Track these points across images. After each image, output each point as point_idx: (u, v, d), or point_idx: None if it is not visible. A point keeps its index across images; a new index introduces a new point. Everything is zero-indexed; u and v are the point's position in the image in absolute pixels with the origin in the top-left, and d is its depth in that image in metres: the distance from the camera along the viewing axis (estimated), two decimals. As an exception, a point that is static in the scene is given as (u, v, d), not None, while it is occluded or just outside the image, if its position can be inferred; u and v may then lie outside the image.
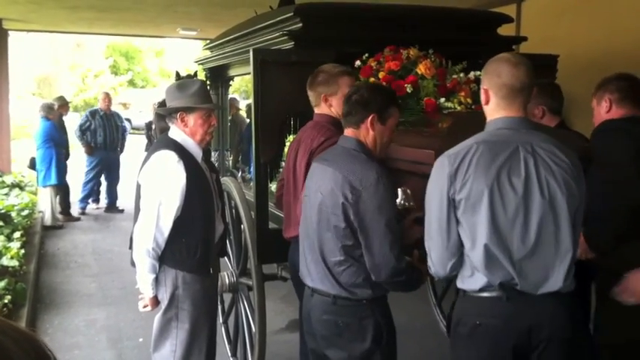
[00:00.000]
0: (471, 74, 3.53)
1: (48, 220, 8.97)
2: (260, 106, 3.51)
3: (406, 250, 2.60)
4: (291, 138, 3.72)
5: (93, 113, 10.15)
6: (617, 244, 3.03)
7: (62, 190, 9.48)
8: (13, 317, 5.07)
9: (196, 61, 6.13)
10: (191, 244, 3.16)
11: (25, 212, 8.44)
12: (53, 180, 9.03)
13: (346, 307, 2.59)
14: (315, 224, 2.63)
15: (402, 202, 2.78)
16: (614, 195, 2.96)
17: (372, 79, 3.43)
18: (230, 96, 6.91)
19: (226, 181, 4.12)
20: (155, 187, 3.12)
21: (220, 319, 4.42)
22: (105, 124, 10.00)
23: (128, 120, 11.47)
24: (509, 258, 2.24)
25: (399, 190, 2.78)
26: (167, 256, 3.15)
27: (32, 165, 9.40)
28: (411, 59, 3.56)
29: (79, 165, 10.43)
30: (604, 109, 3.19)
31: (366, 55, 3.58)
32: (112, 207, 10.32)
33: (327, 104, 3.20)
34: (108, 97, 10.42)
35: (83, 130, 9.92)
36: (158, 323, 3.25)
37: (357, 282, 2.56)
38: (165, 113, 3.27)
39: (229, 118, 6.82)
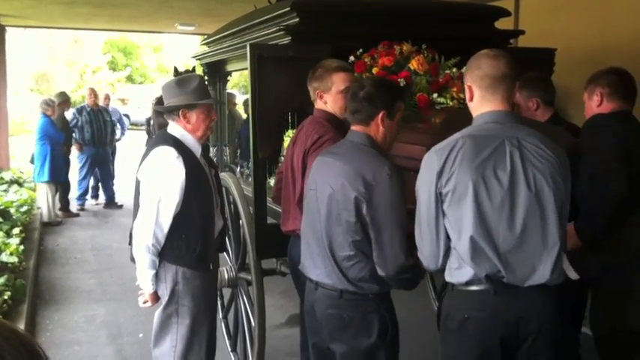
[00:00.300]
0: (464, 69, 3.51)
1: (45, 217, 8.96)
2: (257, 101, 3.51)
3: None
4: (289, 133, 3.73)
5: (80, 110, 10.06)
6: (606, 236, 3.05)
7: (63, 186, 9.47)
8: (13, 313, 5.08)
9: (194, 57, 6.12)
10: (190, 239, 3.16)
11: (24, 208, 8.44)
12: (46, 176, 8.99)
13: (352, 301, 2.59)
14: (324, 218, 2.60)
15: None
16: (601, 188, 2.99)
17: (366, 75, 3.43)
18: (227, 91, 6.90)
19: (225, 177, 4.13)
20: (154, 183, 3.12)
21: (220, 315, 4.43)
22: (92, 120, 9.89)
23: (127, 116, 11.48)
24: (495, 250, 2.26)
25: None
26: (167, 252, 3.15)
27: (32, 160, 9.39)
28: (404, 55, 3.57)
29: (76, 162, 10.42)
30: (595, 103, 3.22)
31: (360, 50, 3.59)
32: (110, 203, 10.31)
33: (322, 100, 3.19)
34: (93, 93, 10.25)
35: (71, 128, 9.86)
36: (158, 319, 3.25)
37: (365, 277, 2.56)
38: (165, 111, 3.26)
39: (226, 113, 6.81)
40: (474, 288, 2.33)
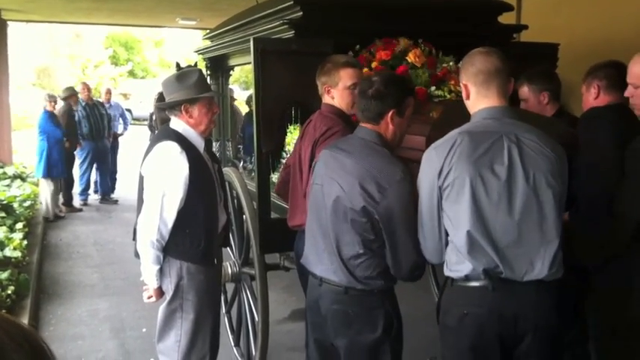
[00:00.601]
0: (460, 63, 3.54)
1: (43, 212, 8.94)
2: (261, 95, 3.50)
3: None
4: (292, 128, 3.72)
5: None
6: (599, 227, 3.05)
7: (66, 181, 9.46)
8: (17, 308, 5.10)
9: (196, 51, 6.12)
10: (194, 234, 3.16)
11: (27, 203, 8.46)
12: (41, 172, 9.00)
13: (357, 296, 2.58)
14: (331, 215, 2.58)
15: None
16: (595, 179, 3.00)
17: (365, 70, 3.43)
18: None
19: (228, 172, 4.13)
20: (158, 179, 3.11)
21: (223, 309, 4.43)
22: (89, 114, 9.84)
23: (129, 110, 11.46)
24: (493, 244, 2.29)
25: None
26: (171, 247, 3.15)
27: None
28: (401, 49, 3.60)
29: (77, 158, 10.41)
30: (592, 96, 3.23)
31: (358, 46, 3.59)
32: (105, 198, 10.30)
33: (330, 95, 3.17)
34: (87, 87, 10.19)
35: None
36: (162, 314, 3.26)
37: (372, 275, 2.55)
38: (167, 107, 3.25)
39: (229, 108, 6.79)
40: (472, 284, 2.35)
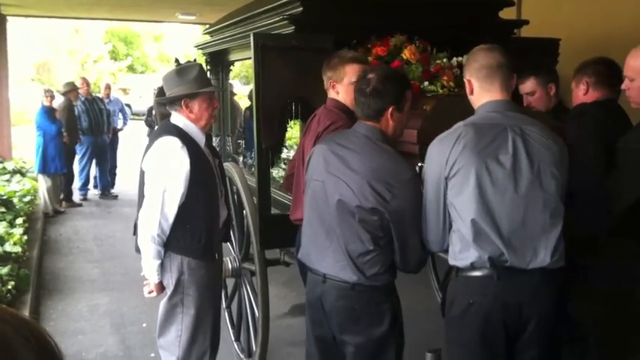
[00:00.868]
0: (454, 60, 3.63)
1: (42, 207, 8.93)
2: (261, 91, 3.49)
3: None
4: (292, 123, 3.72)
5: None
6: (584, 221, 3.06)
7: (66, 176, 9.45)
8: (17, 303, 5.10)
9: (196, 46, 6.11)
10: (195, 230, 3.17)
11: (27, 198, 8.46)
12: (36, 168, 9.00)
13: (364, 292, 2.59)
14: (336, 212, 2.58)
15: None
16: (580, 175, 3.02)
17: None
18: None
19: (228, 167, 4.12)
20: (159, 174, 3.12)
21: (223, 304, 4.44)
22: (88, 109, 9.82)
23: (128, 105, 11.42)
24: (498, 232, 2.35)
25: None
26: (172, 242, 3.15)
27: None
28: (397, 45, 3.65)
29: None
30: (581, 92, 3.25)
31: (354, 41, 3.60)
32: (104, 193, 10.29)
33: (335, 90, 3.17)
34: (86, 82, 10.19)
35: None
36: (163, 309, 3.26)
37: (380, 271, 2.57)
38: (167, 102, 3.25)
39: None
40: (477, 273, 2.41)
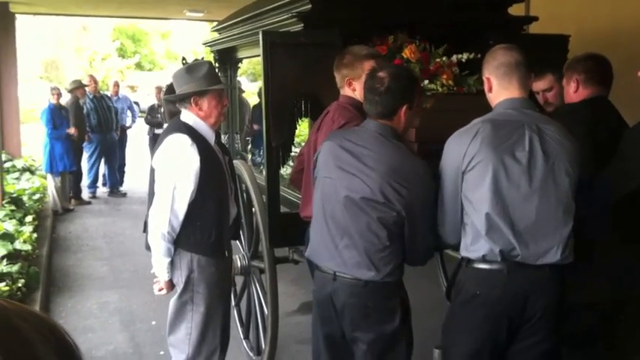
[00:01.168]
0: (454, 57, 3.64)
1: (51, 205, 8.95)
2: (270, 89, 3.49)
3: None
4: (301, 121, 3.71)
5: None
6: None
7: (74, 174, 9.47)
8: (27, 301, 5.13)
9: (204, 44, 6.11)
10: (205, 227, 3.16)
11: (36, 196, 8.50)
12: (44, 167, 9.02)
13: (376, 288, 2.61)
14: (350, 209, 2.59)
15: None
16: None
17: None
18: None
19: (237, 164, 4.12)
20: (169, 171, 3.12)
21: (232, 302, 4.44)
22: (97, 107, 9.82)
23: (136, 103, 11.45)
24: (511, 226, 2.41)
25: None
26: (182, 239, 3.16)
27: None
28: (397, 44, 3.67)
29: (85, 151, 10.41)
30: (572, 89, 3.26)
31: (355, 40, 3.60)
32: (113, 190, 10.32)
33: (351, 88, 3.14)
34: (93, 80, 10.18)
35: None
36: (173, 306, 3.26)
37: (394, 266, 2.60)
38: (176, 99, 3.25)
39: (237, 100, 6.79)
40: (487, 266, 2.48)
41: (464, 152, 2.45)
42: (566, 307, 2.62)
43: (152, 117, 10.35)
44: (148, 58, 33.97)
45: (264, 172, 3.73)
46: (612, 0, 5.48)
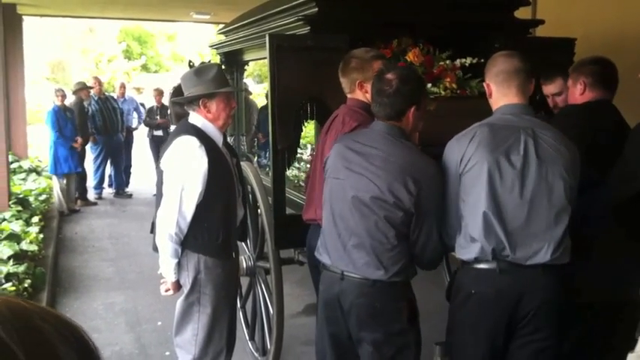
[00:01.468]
0: (457, 61, 3.67)
1: (57, 206, 8.97)
2: (276, 92, 3.50)
3: None
4: (306, 123, 3.72)
5: (88, 100, 9.94)
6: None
7: (79, 175, 9.49)
8: (33, 301, 5.13)
9: (211, 46, 6.13)
10: (213, 228, 3.18)
11: (43, 197, 8.52)
12: (49, 168, 9.04)
13: (383, 289, 2.62)
14: (359, 209, 2.60)
15: None
16: None
17: None
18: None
19: (243, 166, 4.13)
20: (177, 173, 3.13)
21: (238, 304, 4.45)
22: (102, 108, 9.85)
23: (142, 105, 11.46)
24: (504, 227, 2.47)
25: None
26: (189, 240, 3.17)
27: None
28: (401, 47, 3.72)
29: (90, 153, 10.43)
30: (578, 91, 3.28)
31: (359, 43, 3.61)
32: (119, 192, 10.34)
33: (363, 90, 3.11)
34: (98, 81, 10.22)
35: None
36: (180, 307, 3.28)
37: (401, 267, 2.62)
38: (185, 101, 3.27)
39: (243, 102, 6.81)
40: (481, 266, 2.54)
41: (461, 155, 2.52)
42: (567, 307, 2.64)
43: (151, 119, 10.37)
44: (154, 60, 34.03)
45: (269, 174, 3.74)
46: (619, 3, 5.48)
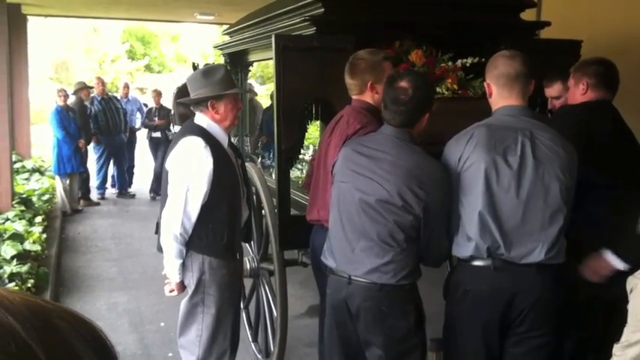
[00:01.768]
0: (459, 62, 3.70)
1: (60, 206, 8.97)
2: (282, 92, 3.50)
3: None
4: (311, 124, 3.72)
5: (91, 100, 9.91)
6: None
7: (82, 175, 9.49)
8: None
9: (215, 47, 6.13)
10: (217, 229, 3.18)
11: (46, 197, 8.52)
12: (52, 168, 9.04)
13: (390, 292, 2.62)
14: (368, 213, 2.60)
15: None
16: None
17: None
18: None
19: (247, 167, 4.13)
20: (182, 173, 3.13)
21: (241, 305, 4.45)
22: (105, 108, 9.82)
23: (146, 105, 11.45)
24: (499, 226, 2.49)
25: None
26: (194, 241, 3.17)
27: None
28: (404, 48, 3.74)
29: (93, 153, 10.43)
30: (580, 91, 3.29)
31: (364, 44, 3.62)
32: (122, 192, 10.34)
33: (373, 92, 3.08)
34: (100, 81, 10.18)
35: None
36: (184, 308, 3.27)
37: (409, 270, 2.62)
38: (192, 102, 3.26)
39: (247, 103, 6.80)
40: (476, 263, 2.56)
41: (459, 155, 2.56)
42: (567, 306, 2.64)
43: (149, 120, 10.37)
44: (158, 61, 34.06)
45: (273, 175, 3.74)
46: (625, 5, 5.46)
